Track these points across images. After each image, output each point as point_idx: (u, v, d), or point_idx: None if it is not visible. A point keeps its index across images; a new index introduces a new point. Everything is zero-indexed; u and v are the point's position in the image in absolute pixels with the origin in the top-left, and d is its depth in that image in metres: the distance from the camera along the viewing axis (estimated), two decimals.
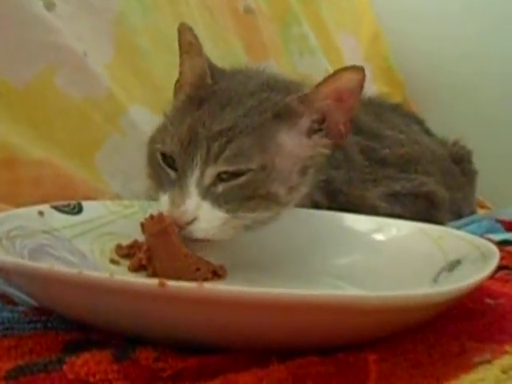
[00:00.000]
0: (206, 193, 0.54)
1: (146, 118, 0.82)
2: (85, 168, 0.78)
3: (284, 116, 0.58)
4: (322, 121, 0.59)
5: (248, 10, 1.13)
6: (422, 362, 0.36)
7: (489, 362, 0.35)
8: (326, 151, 0.60)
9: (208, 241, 0.55)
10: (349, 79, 0.57)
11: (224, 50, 1.04)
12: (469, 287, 0.38)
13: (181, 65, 0.65)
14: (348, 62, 1.29)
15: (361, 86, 0.57)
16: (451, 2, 1.45)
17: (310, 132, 0.59)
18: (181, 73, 0.65)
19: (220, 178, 0.55)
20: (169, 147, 0.57)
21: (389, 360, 0.36)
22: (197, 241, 0.55)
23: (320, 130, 0.59)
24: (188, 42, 0.63)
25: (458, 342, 0.38)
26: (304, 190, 0.60)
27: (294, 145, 0.58)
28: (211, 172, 0.54)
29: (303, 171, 0.59)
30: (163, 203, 0.55)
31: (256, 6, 1.15)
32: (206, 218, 0.54)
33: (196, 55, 0.63)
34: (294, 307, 0.32)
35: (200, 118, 0.57)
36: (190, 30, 0.62)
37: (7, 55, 0.75)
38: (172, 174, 0.57)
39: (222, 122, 0.56)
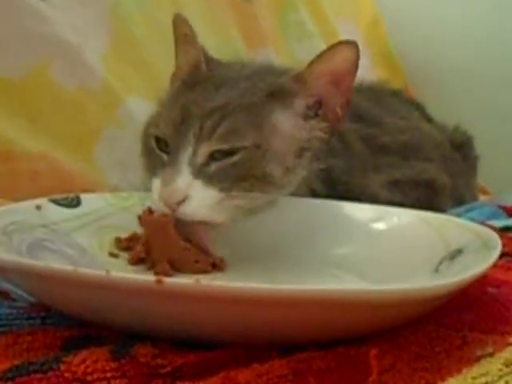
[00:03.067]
0: (199, 172, 0.53)
1: (143, 109, 0.81)
2: (82, 160, 0.78)
3: (278, 96, 0.57)
4: (319, 105, 0.58)
5: None
6: (423, 355, 0.36)
7: (491, 355, 0.35)
8: (323, 135, 0.59)
9: (204, 224, 0.54)
10: (343, 57, 0.56)
11: (222, 39, 1.04)
12: (471, 278, 0.37)
13: (176, 57, 0.64)
14: None
15: (356, 65, 0.56)
16: None
17: (307, 116, 0.58)
18: (176, 65, 0.65)
19: (213, 156, 0.54)
20: (162, 130, 0.56)
21: (390, 353, 0.35)
22: (192, 225, 0.53)
23: (317, 115, 0.59)
24: (183, 34, 0.62)
25: (460, 334, 0.38)
26: (300, 173, 0.59)
27: (289, 125, 0.57)
28: (204, 150, 0.53)
29: (299, 153, 0.58)
30: (155, 187, 0.54)
31: None
32: (197, 196, 0.52)
33: (191, 46, 0.62)
34: (293, 302, 0.32)
35: (193, 99, 0.56)
36: (185, 21, 0.62)
37: (1, 46, 0.74)
38: (165, 157, 0.56)
39: (215, 101, 0.56)
